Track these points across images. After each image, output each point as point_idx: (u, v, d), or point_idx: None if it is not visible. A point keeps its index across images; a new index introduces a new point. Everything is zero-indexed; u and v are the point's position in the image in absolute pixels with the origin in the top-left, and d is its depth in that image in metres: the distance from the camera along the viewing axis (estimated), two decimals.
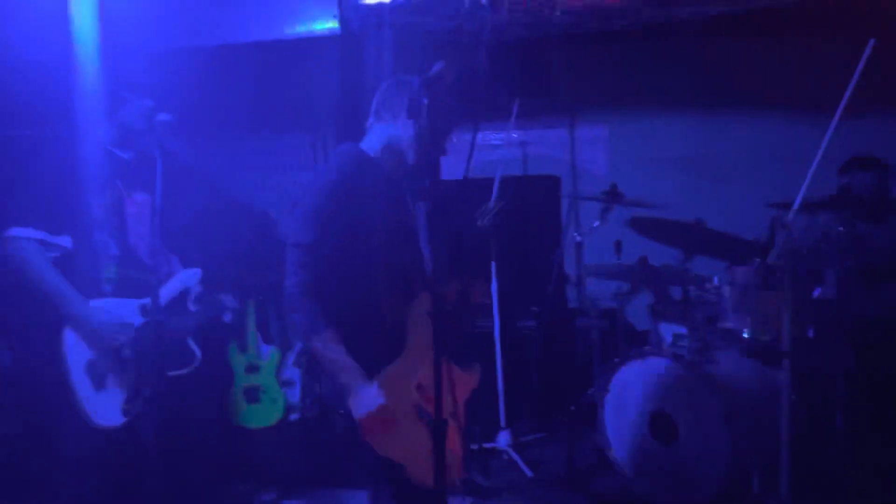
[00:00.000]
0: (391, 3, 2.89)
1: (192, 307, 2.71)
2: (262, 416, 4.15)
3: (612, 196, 3.75)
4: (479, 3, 2.90)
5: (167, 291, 2.61)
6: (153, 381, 2.39)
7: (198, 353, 2.64)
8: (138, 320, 2.49)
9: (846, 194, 3.26)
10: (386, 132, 2.26)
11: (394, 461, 2.06)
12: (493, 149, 4.39)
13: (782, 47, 4.12)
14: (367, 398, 2.04)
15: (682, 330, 3.62)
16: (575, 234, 4.28)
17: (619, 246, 3.76)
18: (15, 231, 2.42)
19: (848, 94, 2.52)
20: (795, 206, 2.70)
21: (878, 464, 3.21)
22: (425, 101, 1.99)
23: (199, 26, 3.62)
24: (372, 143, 2.28)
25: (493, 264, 3.77)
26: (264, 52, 3.74)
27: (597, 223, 3.90)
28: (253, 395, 4.15)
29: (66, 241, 2.47)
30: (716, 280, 3.36)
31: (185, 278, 2.70)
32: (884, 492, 3.10)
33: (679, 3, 2.90)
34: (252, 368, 4.15)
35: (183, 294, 2.69)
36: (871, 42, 2.51)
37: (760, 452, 2.95)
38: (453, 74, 2.11)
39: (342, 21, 3.00)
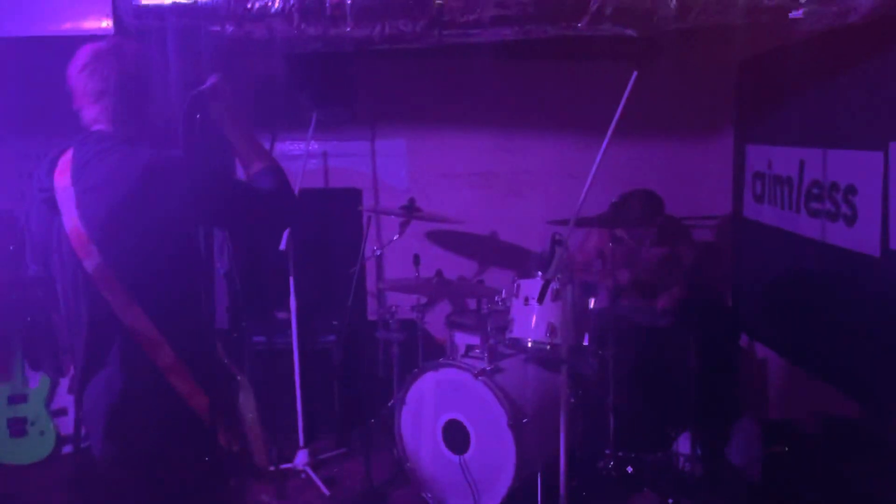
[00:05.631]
0: (171, 4, 2.71)
1: None
2: (30, 450, 3.73)
3: (411, 210, 3.82)
4: (269, 12, 2.81)
5: None
6: None
7: None
8: None
9: (619, 213, 3.54)
10: None
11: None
12: (292, 159, 4.28)
13: (571, 74, 4.43)
14: None
15: (476, 340, 3.76)
16: (375, 247, 4.31)
17: (417, 259, 3.81)
18: None
19: (616, 120, 2.75)
20: (571, 223, 2.91)
21: (642, 461, 3.53)
22: (198, 117, 1.89)
23: None
24: None
25: (291, 279, 3.67)
26: (28, 49, 3.37)
27: (396, 236, 3.95)
28: (18, 427, 3.71)
29: None
30: (503, 292, 3.53)
31: None
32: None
33: (468, 28, 2.97)
34: (17, 398, 3.72)
35: None
36: (634, 73, 2.76)
37: (544, 456, 3.12)
38: (231, 87, 2.01)
39: (116, 20, 2.77)
